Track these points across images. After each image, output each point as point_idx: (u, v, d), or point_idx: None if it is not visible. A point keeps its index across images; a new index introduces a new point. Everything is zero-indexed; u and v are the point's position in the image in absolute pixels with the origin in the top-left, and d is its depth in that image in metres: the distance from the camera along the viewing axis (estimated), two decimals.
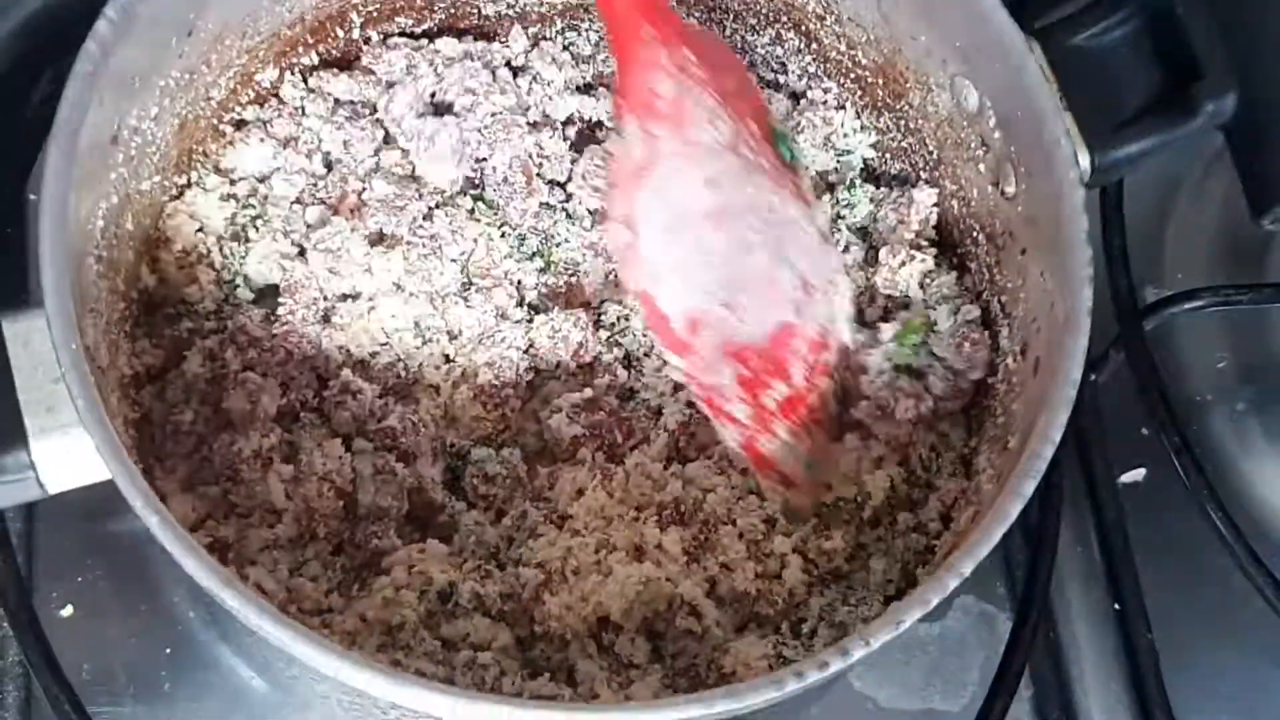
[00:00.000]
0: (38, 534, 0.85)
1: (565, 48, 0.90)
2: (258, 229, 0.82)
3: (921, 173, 0.85)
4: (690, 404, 0.81)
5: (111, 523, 0.85)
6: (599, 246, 0.85)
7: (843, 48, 0.85)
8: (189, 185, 0.82)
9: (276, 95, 0.86)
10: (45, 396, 0.65)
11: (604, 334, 0.84)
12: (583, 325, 0.83)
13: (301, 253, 0.82)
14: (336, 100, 0.86)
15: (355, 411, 0.79)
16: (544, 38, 0.90)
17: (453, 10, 0.89)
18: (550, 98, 0.88)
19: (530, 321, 0.83)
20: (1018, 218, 0.77)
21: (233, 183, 0.83)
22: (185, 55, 0.76)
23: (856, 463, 0.80)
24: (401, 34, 0.88)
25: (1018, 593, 0.87)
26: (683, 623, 0.74)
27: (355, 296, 0.81)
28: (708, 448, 0.81)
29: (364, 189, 0.84)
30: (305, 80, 0.86)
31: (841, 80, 0.87)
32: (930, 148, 0.84)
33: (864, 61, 0.85)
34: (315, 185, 0.84)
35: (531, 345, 0.83)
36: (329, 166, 0.85)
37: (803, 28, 0.86)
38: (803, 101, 0.88)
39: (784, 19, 0.87)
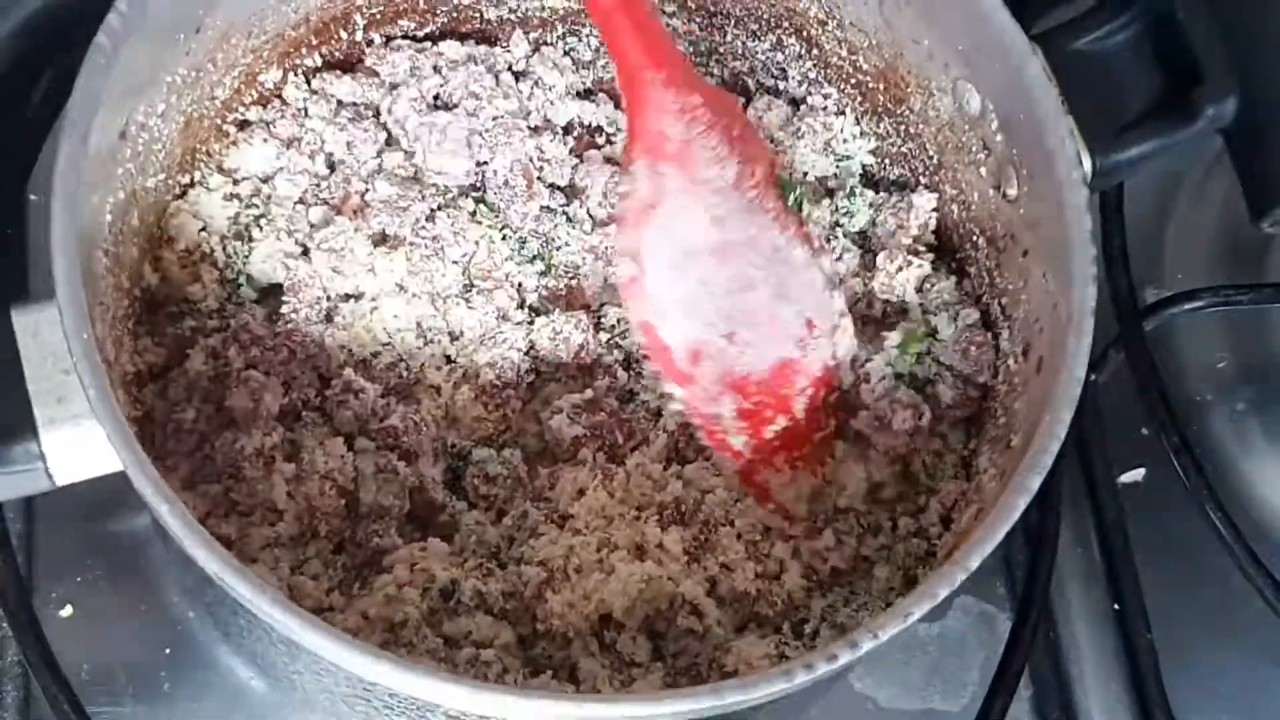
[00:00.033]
0: (37, 534, 0.84)
1: (566, 53, 0.91)
2: (261, 228, 0.82)
3: (921, 177, 0.86)
4: None
5: (111, 523, 0.85)
6: (599, 250, 0.85)
7: (844, 53, 0.86)
8: (192, 184, 0.82)
9: (280, 96, 0.86)
10: (55, 387, 0.64)
11: (604, 336, 0.84)
12: (583, 327, 0.83)
13: (305, 252, 0.82)
14: (339, 102, 0.86)
15: (357, 411, 0.79)
16: (545, 43, 0.91)
17: (455, 14, 0.89)
18: (551, 102, 0.88)
19: (531, 323, 0.84)
20: (1019, 220, 0.77)
21: (236, 182, 0.83)
22: (192, 53, 0.76)
23: (848, 465, 0.80)
24: (404, 36, 0.88)
25: (1018, 593, 0.87)
26: (684, 622, 0.74)
27: (358, 296, 0.82)
28: (706, 449, 0.81)
29: (367, 190, 0.84)
30: (308, 81, 0.86)
31: (842, 85, 0.87)
32: (930, 152, 0.84)
33: (865, 66, 0.85)
34: (318, 186, 0.84)
35: (532, 347, 0.83)
36: (332, 167, 0.85)
37: (804, 33, 0.87)
38: (803, 107, 0.89)
39: (785, 24, 0.87)
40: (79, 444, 0.64)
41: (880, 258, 0.84)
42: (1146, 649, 0.87)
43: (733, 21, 0.89)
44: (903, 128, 0.85)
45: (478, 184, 0.86)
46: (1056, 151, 0.72)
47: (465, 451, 0.81)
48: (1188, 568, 0.89)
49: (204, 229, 0.82)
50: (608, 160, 0.87)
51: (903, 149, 0.86)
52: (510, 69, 0.89)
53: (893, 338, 0.81)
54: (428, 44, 0.88)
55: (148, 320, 0.79)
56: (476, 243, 0.83)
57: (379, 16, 0.87)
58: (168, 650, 0.83)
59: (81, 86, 0.66)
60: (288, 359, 0.79)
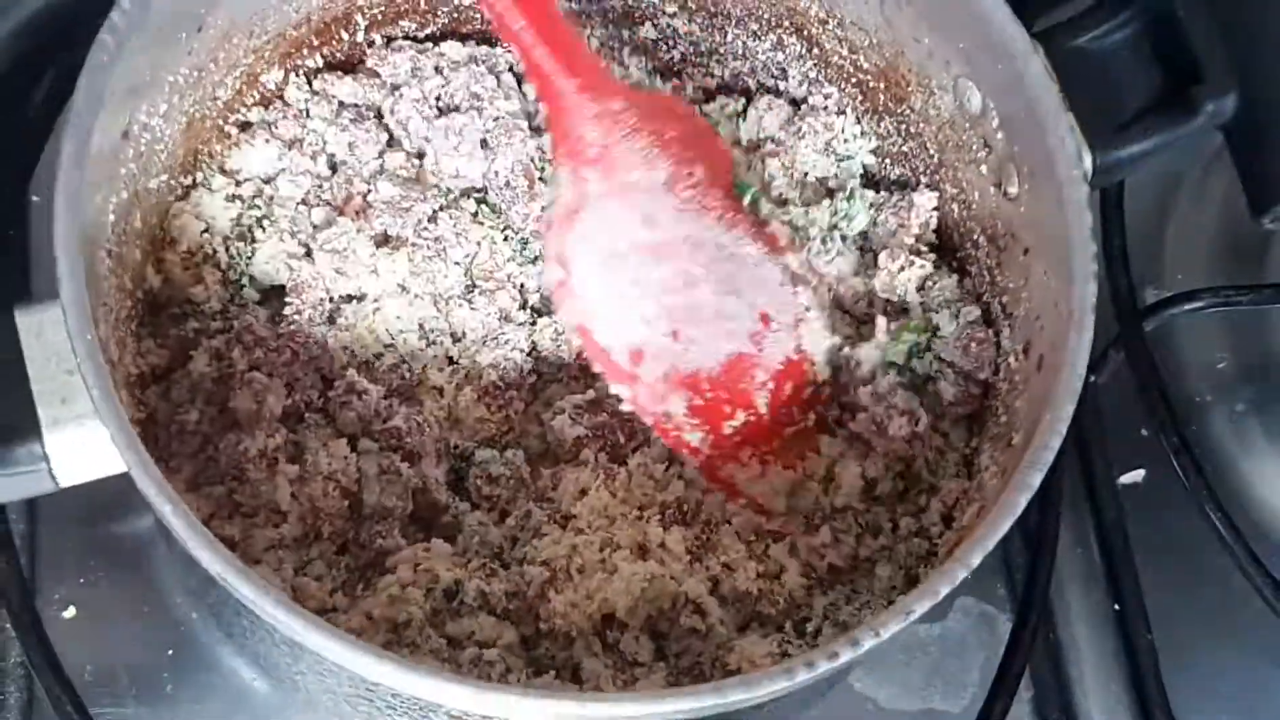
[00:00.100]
0: (40, 536, 0.84)
1: None
2: (264, 229, 0.82)
3: (922, 176, 0.86)
4: None
5: (114, 525, 0.85)
6: None
7: (844, 52, 0.86)
8: (194, 186, 0.82)
9: (281, 97, 0.86)
10: (59, 388, 0.64)
11: None
12: None
13: (308, 253, 0.82)
14: (341, 103, 0.86)
15: (360, 412, 0.79)
16: None
17: (456, 15, 0.89)
18: None
19: (533, 324, 0.84)
20: (1020, 218, 0.77)
21: (238, 184, 0.83)
22: (194, 52, 0.76)
23: (845, 463, 0.81)
24: (405, 37, 0.89)
25: (1018, 594, 0.87)
26: (687, 621, 0.74)
27: (360, 298, 0.82)
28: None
29: (369, 191, 0.84)
30: (310, 82, 0.86)
31: (843, 85, 0.87)
32: (931, 151, 0.84)
33: (866, 66, 0.85)
34: (320, 187, 0.84)
35: (535, 347, 0.83)
36: (334, 168, 0.85)
37: (804, 33, 0.87)
38: (804, 107, 0.89)
39: (786, 24, 0.87)
40: (83, 445, 0.64)
41: (882, 256, 0.83)
42: (1147, 649, 0.87)
43: (733, 21, 0.89)
44: (903, 127, 0.85)
45: (479, 185, 0.86)
46: (1057, 149, 0.72)
47: (468, 452, 0.81)
48: (1188, 568, 0.89)
49: (206, 230, 0.82)
50: None
51: (903, 148, 0.86)
52: (511, 69, 0.88)
53: (880, 322, 0.82)
54: (429, 45, 0.88)
55: (150, 322, 0.79)
56: (479, 243, 0.84)
57: (380, 17, 0.87)
58: (171, 651, 0.84)
59: (84, 86, 0.66)
60: (291, 360, 0.79)
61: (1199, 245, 0.99)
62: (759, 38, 0.89)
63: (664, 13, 0.89)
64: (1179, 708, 0.86)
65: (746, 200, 0.84)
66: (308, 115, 0.85)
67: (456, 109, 0.86)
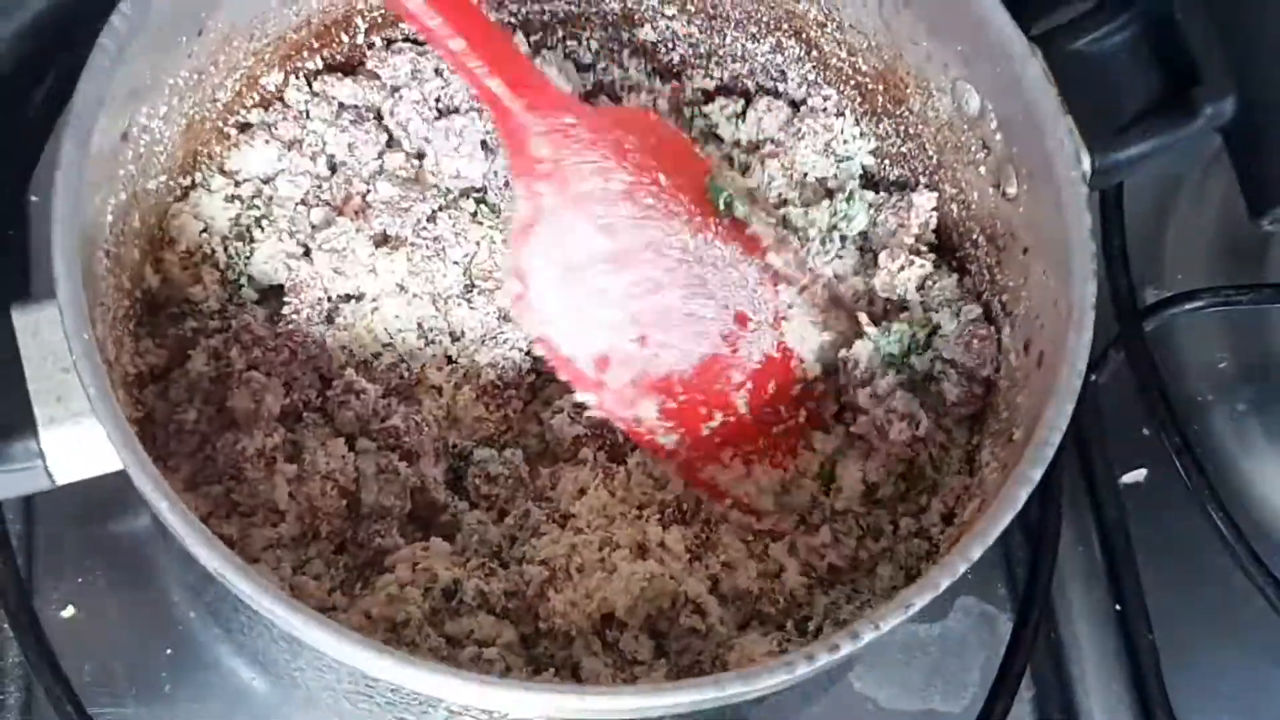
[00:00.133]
0: (38, 535, 0.84)
1: (567, 56, 0.91)
2: (263, 229, 0.82)
3: (921, 177, 0.86)
4: None
5: (112, 523, 0.85)
6: None
7: (843, 54, 0.86)
8: (193, 186, 0.82)
9: (281, 99, 0.86)
10: (55, 386, 0.64)
11: None
12: None
13: (306, 253, 0.82)
14: (341, 104, 0.86)
15: (358, 411, 0.79)
16: (545, 46, 0.91)
17: None
18: None
19: None
20: (1019, 218, 0.77)
21: (237, 184, 0.83)
22: (194, 55, 0.76)
23: (846, 465, 0.81)
24: (405, 39, 0.89)
25: (1019, 593, 0.87)
26: (687, 620, 0.74)
27: (359, 297, 0.82)
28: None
29: (368, 191, 0.84)
30: (310, 84, 0.86)
31: (841, 87, 0.87)
32: (930, 152, 0.84)
33: (864, 68, 0.85)
34: (320, 187, 0.84)
35: (533, 347, 0.83)
36: (333, 169, 0.85)
37: (803, 35, 0.87)
38: (803, 109, 0.89)
39: (784, 27, 0.87)
40: (79, 442, 0.64)
41: (882, 256, 0.84)
42: (1148, 649, 0.87)
43: (732, 24, 0.89)
44: (902, 128, 0.85)
45: (479, 185, 0.86)
46: (1055, 151, 0.72)
47: (467, 451, 0.81)
48: (1189, 568, 0.89)
49: (205, 230, 0.82)
50: None
51: (902, 149, 0.86)
52: None
53: (862, 316, 0.82)
54: (428, 47, 0.88)
55: (149, 321, 0.79)
56: (477, 243, 0.84)
57: (380, 20, 0.87)
58: (169, 650, 0.83)
59: (84, 87, 0.66)
60: (289, 360, 0.79)
61: (1199, 245, 0.99)
62: (758, 40, 0.89)
63: (663, 15, 0.89)
64: (1180, 707, 0.86)
65: (721, 203, 0.84)
66: (307, 117, 0.85)
67: (456, 110, 0.86)
